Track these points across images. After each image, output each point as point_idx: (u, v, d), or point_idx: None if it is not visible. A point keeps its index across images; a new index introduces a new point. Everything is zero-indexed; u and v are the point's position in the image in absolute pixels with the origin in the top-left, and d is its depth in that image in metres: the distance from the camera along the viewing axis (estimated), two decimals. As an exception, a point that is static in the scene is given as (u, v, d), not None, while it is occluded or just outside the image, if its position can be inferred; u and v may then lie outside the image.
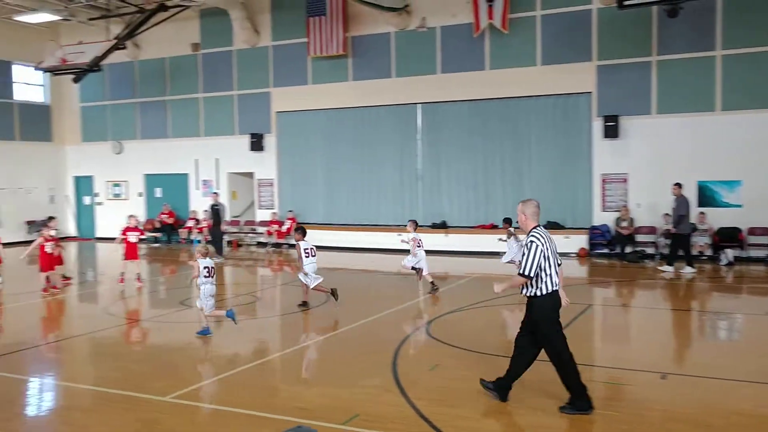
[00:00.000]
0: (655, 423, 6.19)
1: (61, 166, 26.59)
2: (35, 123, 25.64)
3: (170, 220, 23.82)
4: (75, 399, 7.35)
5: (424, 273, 13.43)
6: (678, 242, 15.34)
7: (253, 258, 20.51)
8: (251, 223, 23.33)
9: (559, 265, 6.50)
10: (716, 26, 17.05)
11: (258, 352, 9.42)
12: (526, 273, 6.27)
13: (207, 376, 7.76)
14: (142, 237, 15.62)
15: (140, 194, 25.37)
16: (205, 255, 10.07)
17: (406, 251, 13.88)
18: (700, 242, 16.87)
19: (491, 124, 19.69)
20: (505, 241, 13.66)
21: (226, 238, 20.59)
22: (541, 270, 6.29)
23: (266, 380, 7.93)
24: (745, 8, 16.75)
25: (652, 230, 17.86)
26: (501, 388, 6.69)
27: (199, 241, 22.60)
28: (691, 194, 16.62)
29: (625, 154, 18.11)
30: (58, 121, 26.48)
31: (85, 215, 26.74)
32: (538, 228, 6.45)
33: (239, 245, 22.71)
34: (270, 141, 22.69)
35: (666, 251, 16.44)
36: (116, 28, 21.42)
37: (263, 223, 22.69)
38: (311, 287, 11.57)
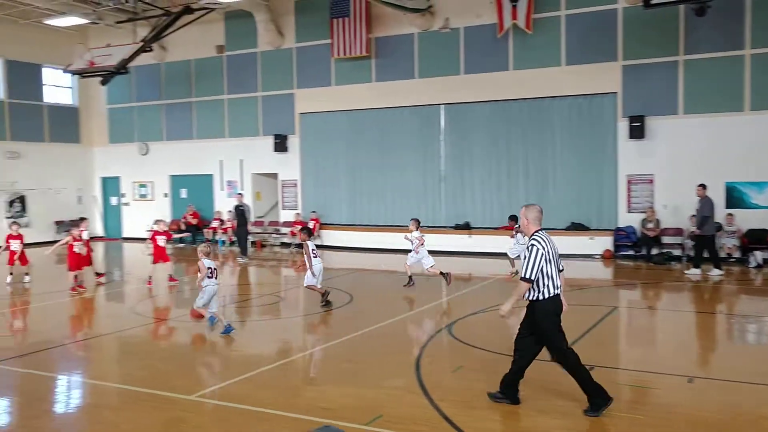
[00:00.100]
0: (681, 427, 6.11)
1: (89, 167, 27.00)
2: (64, 125, 26.07)
3: (194, 221, 24.05)
4: (103, 397, 7.46)
5: (426, 268, 13.65)
6: (702, 244, 15.11)
7: (276, 258, 20.64)
8: (275, 223, 23.47)
9: (561, 270, 6.53)
10: (745, 25, 16.78)
11: (282, 352, 9.48)
12: (527, 276, 6.31)
13: (232, 376, 7.82)
14: (170, 240, 15.91)
15: (165, 195, 25.66)
16: (208, 255, 10.22)
17: (407, 251, 14.14)
18: (729, 244, 16.63)
19: (515, 124, 19.59)
20: (515, 237, 14.82)
21: (250, 238, 20.73)
22: (542, 274, 6.32)
23: (290, 380, 7.98)
24: (774, 6, 16.50)
25: (678, 232, 17.63)
26: (508, 389, 6.66)
27: (223, 242, 22.89)
28: (719, 195, 16.39)
29: (651, 154, 17.91)
30: (86, 122, 26.89)
31: (112, 215, 27.11)
32: (539, 232, 6.49)
33: (263, 246, 22.87)
34: (294, 142, 22.81)
35: (692, 253, 16.22)
36: (143, 31, 21.71)
37: (287, 224, 22.80)
38: (305, 285, 11.82)
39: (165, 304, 13.41)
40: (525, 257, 6.39)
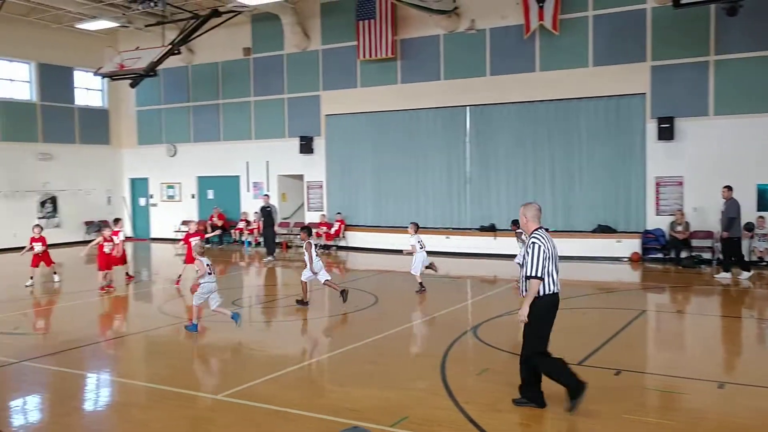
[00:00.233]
0: (711, 433, 6.03)
1: (118, 168, 27.39)
2: (94, 127, 26.48)
3: (220, 222, 24.26)
4: (131, 395, 7.56)
5: (414, 271, 13.52)
6: (729, 247, 14.84)
7: (302, 259, 20.61)
8: (300, 224, 23.52)
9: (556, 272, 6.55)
10: (777, 24, 16.49)
11: (307, 352, 9.52)
12: (535, 274, 6.33)
13: (257, 376, 7.87)
14: (202, 240, 16.11)
15: (193, 196, 25.93)
16: (202, 254, 10.34)
17: (431, 254, 14.17)
18: (760, 247, 16.33)
19: (541, 126, 19.44)
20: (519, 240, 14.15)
21: (276, 239, 20.85)
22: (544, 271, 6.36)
23: (315, 381, 8.01)
24: (808, 5, 16.17)
25: (708, 235, 17.32)
26: (531, 393, 6.63)
27: (250, 243, 23.06)
28: (750, 198, 16.11)
29: (680, 156, 17.65)
30: (115, 124, 27.30)
31: (140, 216, 27.47)
32: (539, 230, 6.55)
33: (288, 246, 22.98)
34: (319, 144, 22.91)
35: (721, 257, 15.93)
36: (171, 34, 21.98)
37: (312, 225, 22.83)
38: (302, 279, 12.06)
39: (191, 303, 13.51)
40: (527, 255, 6.42)
